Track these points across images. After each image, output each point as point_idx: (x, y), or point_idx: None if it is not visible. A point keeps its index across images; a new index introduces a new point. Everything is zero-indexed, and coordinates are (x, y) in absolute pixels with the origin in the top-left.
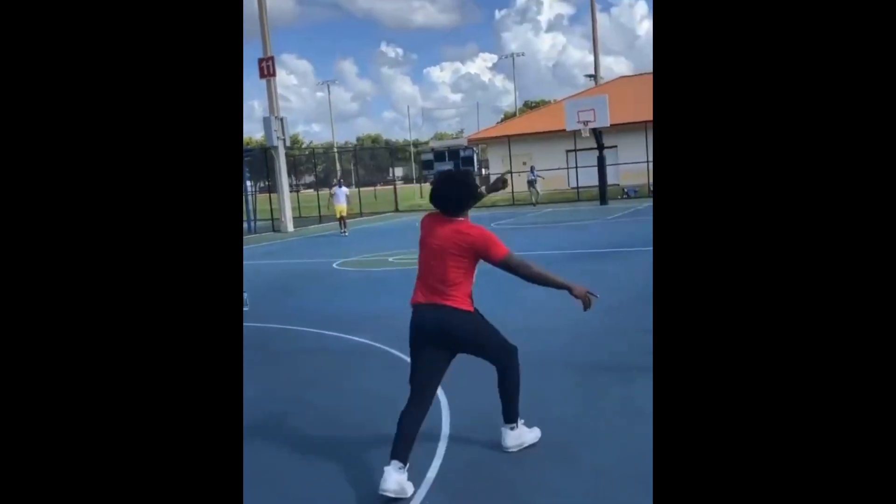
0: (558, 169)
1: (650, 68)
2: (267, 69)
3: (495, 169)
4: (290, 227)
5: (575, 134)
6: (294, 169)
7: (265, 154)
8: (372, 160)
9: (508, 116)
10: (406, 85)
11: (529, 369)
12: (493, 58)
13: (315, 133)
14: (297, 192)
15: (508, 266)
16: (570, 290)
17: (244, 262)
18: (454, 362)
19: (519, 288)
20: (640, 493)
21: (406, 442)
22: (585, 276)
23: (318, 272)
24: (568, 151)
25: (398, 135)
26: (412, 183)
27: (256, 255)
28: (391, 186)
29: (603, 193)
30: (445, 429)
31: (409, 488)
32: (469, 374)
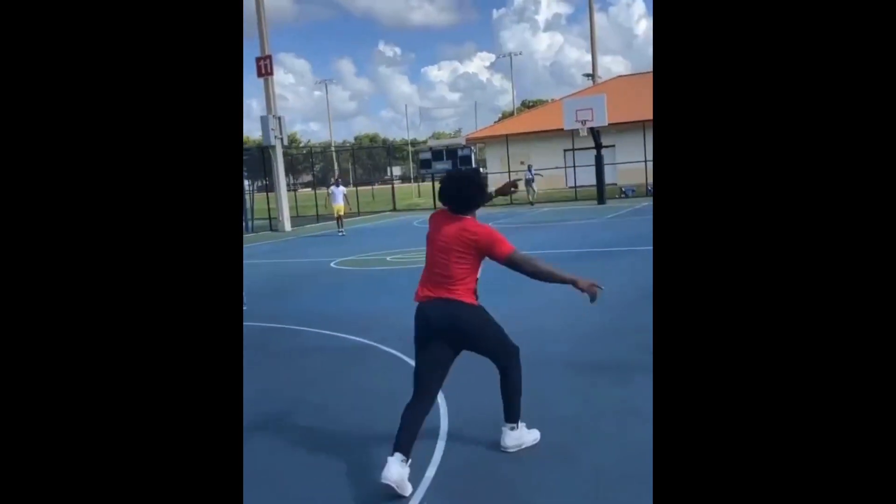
0: (556, 168)
1: (648, 68)
2: (264, 68)
3: (493, 168)
4: (288, 227)
5: (573, 133)
6: (292, 168)
7: (262, 153)
8: (370, 159)
9: (506, 116)
10: (404, 84)
11: (529, 369)
12: (491, 57)
13: (313, 132)
14: (295, 191)
15: (513, 263)
16: (575, 283)
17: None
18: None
19: (518, 288)
20: (640, 493)
21: (408, 436)
22: (583, 275)
23: (315, 271)
24: (566, 151)
25: (396, 134)
26: (410, 182)
27: (254, 254)
28: (389, 186)
29: (601, 193)
30: (444, 427)
31: (408, 488)
32: (468, 372)
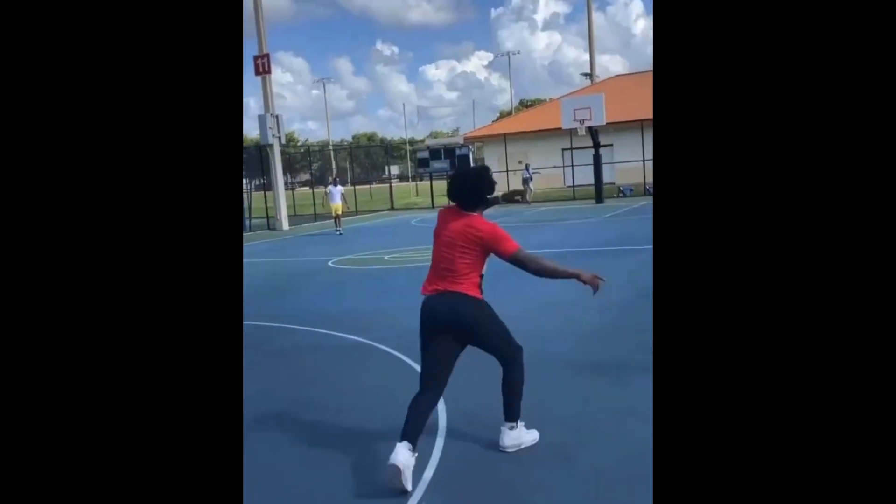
0: (554, 167)
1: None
2: (262, 66)
3: (492, 167)
4: (286, 226)
5: (571, 132)
6: (289, 167)
7: (260, 152)
8: (367, 158)
9: (504, 115)
10: (402, 83)
11: (528, 369)
12: (489, 56)
13: (311, 131)
14: (293, 189)
15: (518, 261)
16: (578, 277)
17: None
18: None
19: (518, 288)
20: (640, 494)
21: (415, 426)
22: None
23: (313, 270)
24: (564, 150)
25: (394, 133)
26: (408, 181)
27: (252, 253)
28: (387, 184)
29: (599, 192)
30: (443, 424)
31: (410, 479)
32: (469, 369)
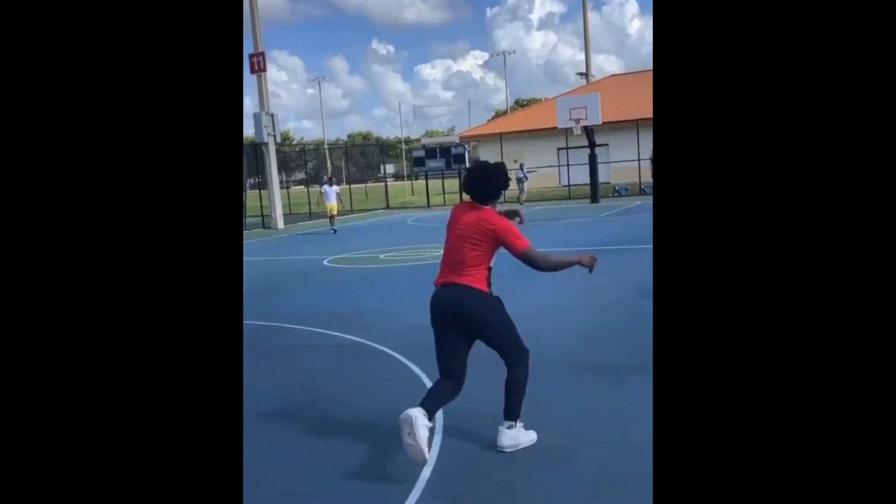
0: (549, 167)
1: (641, 66)
2: (257, 64)
3: None
4: (281, 224)
5: (566, 132)
6: (284, 165)
7: (255, 150)
8: (363, 157)
9: (500, 114)
10: (397, 82)
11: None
12: (485, 55)
13: (306, 129)
14: (288, 188)
15: (528, 259)
16: (580, 263)
17: None
18: None
19: (517, 289)
20: (640, 494)
21: (435, 401)
22: (577, 273)
23: (308, 269)
24: (559, 149)
25: (389, 132)
26: (403, 180)
27: (247, 251)
28: (382, 183)
29: (594, 191)
30: (441, 421)
31: (426, 448)
32: (470, 366)
